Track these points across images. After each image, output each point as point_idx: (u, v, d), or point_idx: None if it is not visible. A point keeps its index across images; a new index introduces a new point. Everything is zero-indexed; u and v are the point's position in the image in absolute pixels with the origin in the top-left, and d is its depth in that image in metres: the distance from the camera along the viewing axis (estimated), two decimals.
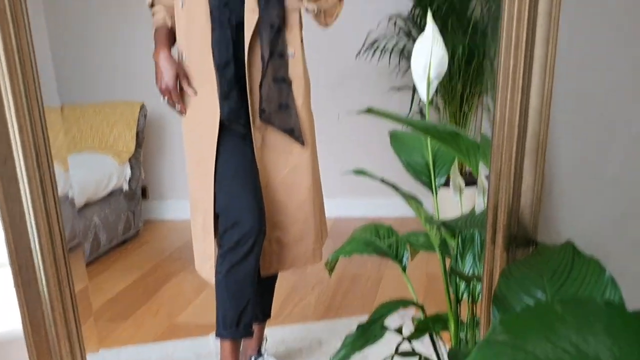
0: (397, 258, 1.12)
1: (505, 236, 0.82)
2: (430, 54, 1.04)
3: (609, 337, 0.53)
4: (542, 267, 0.75)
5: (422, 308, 1.04)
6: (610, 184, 0.96)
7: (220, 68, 1.54)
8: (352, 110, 0.94)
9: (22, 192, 0.83)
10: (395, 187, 0.98)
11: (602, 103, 0.94)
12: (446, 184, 1.06)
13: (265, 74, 1.54)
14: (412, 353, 1.06)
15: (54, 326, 0.87)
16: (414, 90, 2.83)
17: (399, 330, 1.06)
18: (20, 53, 0.80)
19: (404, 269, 1.10)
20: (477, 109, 3.04)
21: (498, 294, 0.74)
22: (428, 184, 1.05)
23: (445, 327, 1.03)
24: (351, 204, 3.17)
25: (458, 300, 1.02)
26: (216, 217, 1.59)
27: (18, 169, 0.82)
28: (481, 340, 0.55)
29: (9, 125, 0.81)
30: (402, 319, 1.45)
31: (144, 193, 3.42)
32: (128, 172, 3.08)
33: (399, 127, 0.93)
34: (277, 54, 1.55)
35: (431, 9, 2.89)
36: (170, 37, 1.62)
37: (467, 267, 1.02)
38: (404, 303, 1.05)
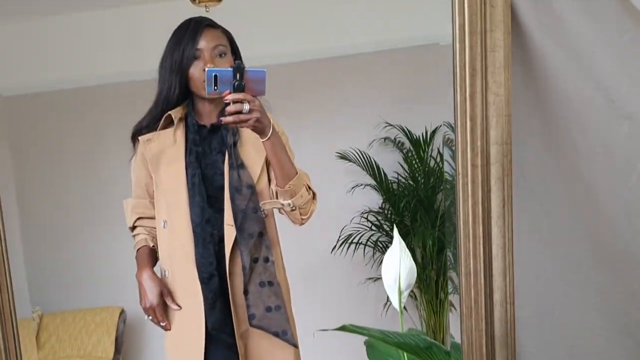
0: None
1: None
2: (399, 266, 1.12)
3: None
4: None
5: None
6: None
7: (204, 281, 1.59)
8: (329, 327, 0.99)
9: None
10: None
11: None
12: None
13: (249, 281, 1.58)
14: None
15: None
16: None
17: None
18: None
19: None
20: (448, 295, 3.11)
21: None
22: None
23: None
24: None
25: None
26: None
27: None
28: None
29: None
30: None
31: None
32: None
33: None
34: (260, 261, 1.60)
35: (401, 204, 3.10)
36: (152, 256, 1.69)
37: None
38: None
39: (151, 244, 1.70)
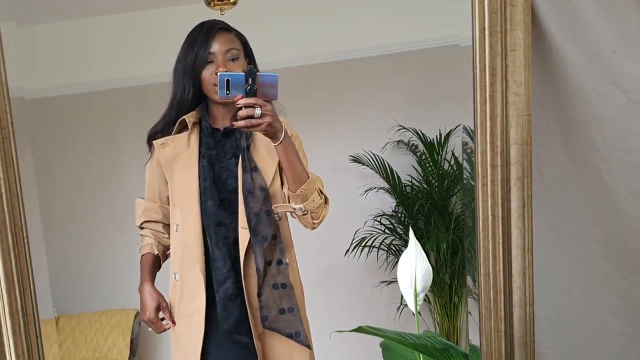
0: None
1: None
2: (415, 268, 1.12)
3: None
4: None
5: None
6: None
7: (219, 284, 1.60)
8: (343, 328, 0.99)
9: None
10: None
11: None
12: None
13: (263, 283, 1.60)
14: None
15: None
16: None
17: None
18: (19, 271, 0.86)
19: None
20: (467, 298, 3.09)
21: None
22: None
23: None
24: None
25: None
26: None
27: None
28: None
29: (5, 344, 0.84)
30: None
31: None
32: None
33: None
34: (273, 263, 1.61)
35: (414, 207, 3.10)
36: (155, 265, 1.72)
37: None
38: None
39: (155, 252, 1.73)
